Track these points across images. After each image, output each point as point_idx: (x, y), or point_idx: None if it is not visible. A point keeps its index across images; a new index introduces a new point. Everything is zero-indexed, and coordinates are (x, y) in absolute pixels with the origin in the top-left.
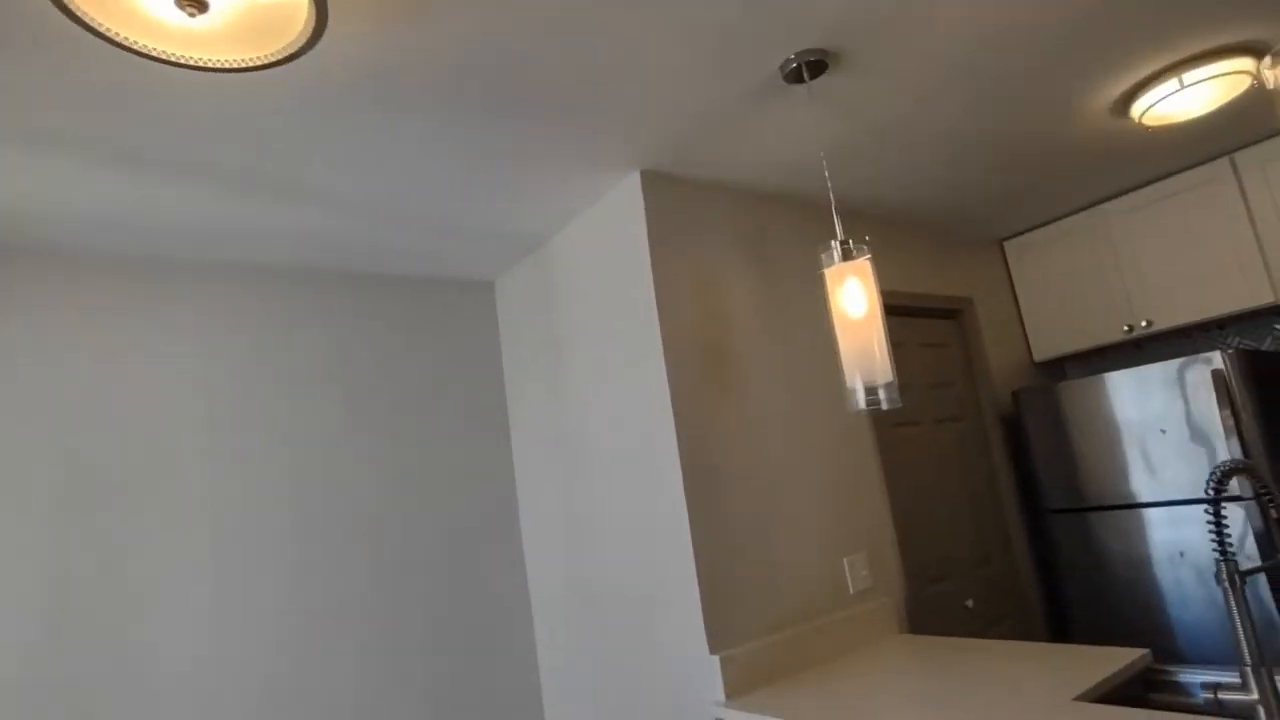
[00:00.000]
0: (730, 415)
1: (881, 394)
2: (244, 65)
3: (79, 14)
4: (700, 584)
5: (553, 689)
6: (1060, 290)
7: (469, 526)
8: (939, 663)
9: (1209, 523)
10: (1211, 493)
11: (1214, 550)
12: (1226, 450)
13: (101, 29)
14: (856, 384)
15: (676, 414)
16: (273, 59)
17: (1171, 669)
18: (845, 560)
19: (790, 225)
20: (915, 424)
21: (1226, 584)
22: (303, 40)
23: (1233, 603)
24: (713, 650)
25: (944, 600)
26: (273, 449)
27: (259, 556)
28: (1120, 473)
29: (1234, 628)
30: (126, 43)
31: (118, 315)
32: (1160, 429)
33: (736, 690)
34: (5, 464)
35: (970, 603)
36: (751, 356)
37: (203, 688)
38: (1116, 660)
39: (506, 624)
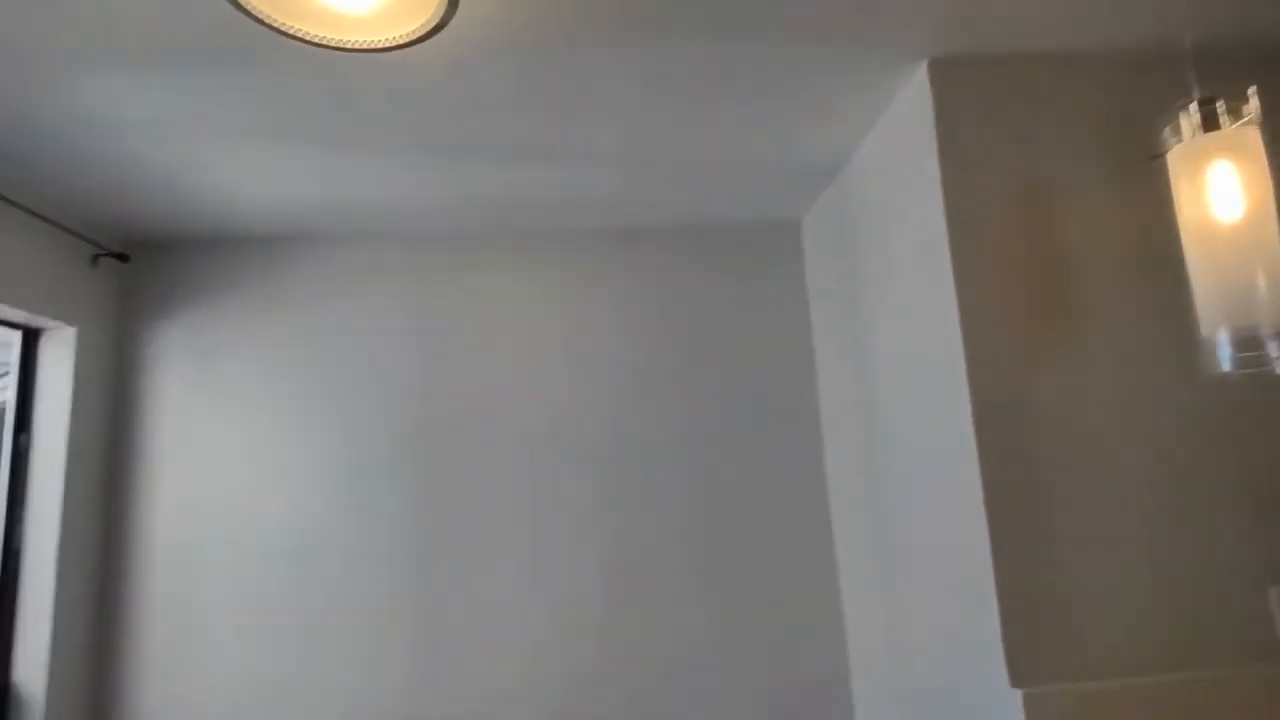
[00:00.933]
0: (1065, 377)
1: (1272, 348)
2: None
3: (306, 36)
4: (1000, 590)
5: (859, 665)
6: None
7: (773, 486)
8: None
9: None
10: None
11: None
12: None
13: (330, 41)
14: (1220, 331)
15: (972, 372)
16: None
17: None
18: (1273, 592)
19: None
20: None
21: None
22: None
23: None
24: (1014, 683)
25: None
26: (584, 402)
27: (575, 500)
28: None
29: None
30: (358, 45)
31: (436, 283)
32: None
33: None
34: (361, 420)
35: None
36: (1102, 297)
37: (524, 611)
38: None
39: (809, 593)
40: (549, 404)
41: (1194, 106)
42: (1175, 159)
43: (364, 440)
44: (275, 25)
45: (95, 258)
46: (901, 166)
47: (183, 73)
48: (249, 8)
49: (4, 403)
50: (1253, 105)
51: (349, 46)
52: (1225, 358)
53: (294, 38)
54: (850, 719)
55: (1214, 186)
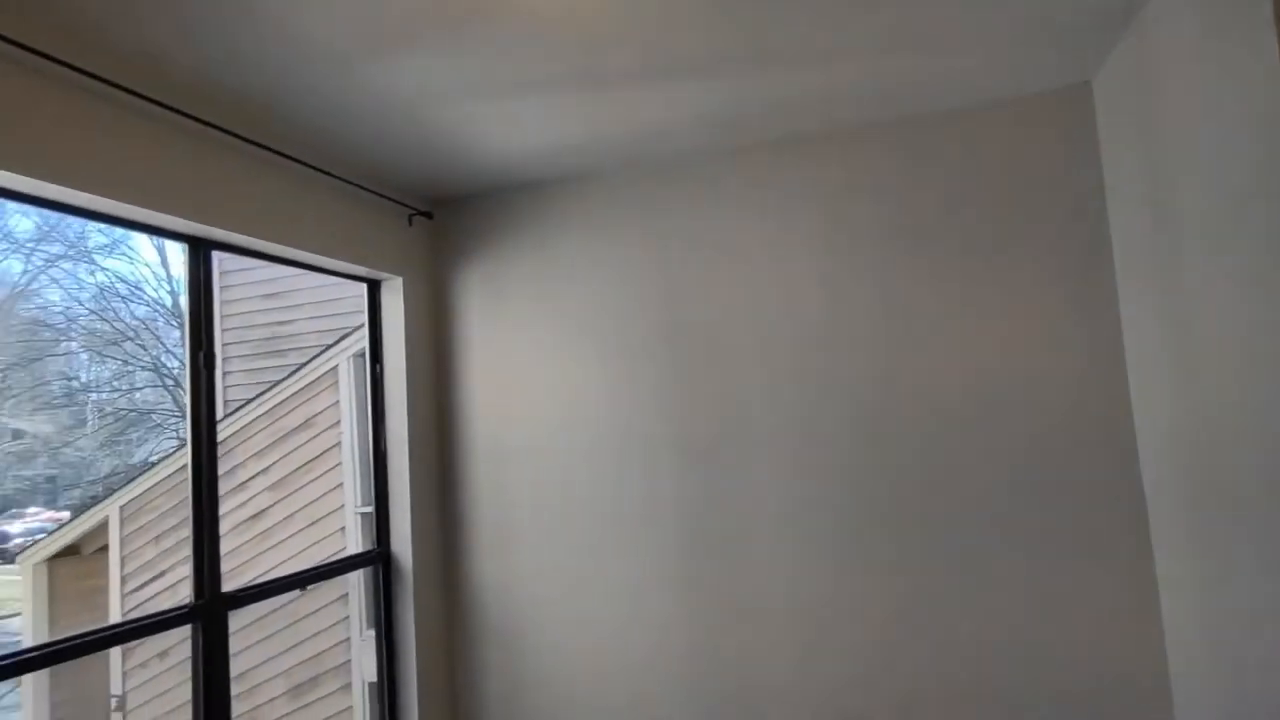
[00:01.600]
0: None
1: None
2: None
3: None
4: None
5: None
6: None
7: (1068, 399)
8: None
9: None
10: None
11: None
12: None
13: None
14: None
15: None
16: None
17: None
18: None
19: None
20: None
21: None
22: None
23: None
24: None
25: None
26: (845, 303)
27: (843, 395)
28: None
29: None
30: None
31: (679, 203)
32: None
33: None
34: (625, 335)
35: None
36: None
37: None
38: None
39: (1110, 531)
40: (806, 315)
41: None
42: None
43: (629, 353)
44: None
45: (410, 217)
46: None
47: (445, 46)
48: None
49: (363, 349)
50: None
51: None
52: None
53: None
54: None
55: None
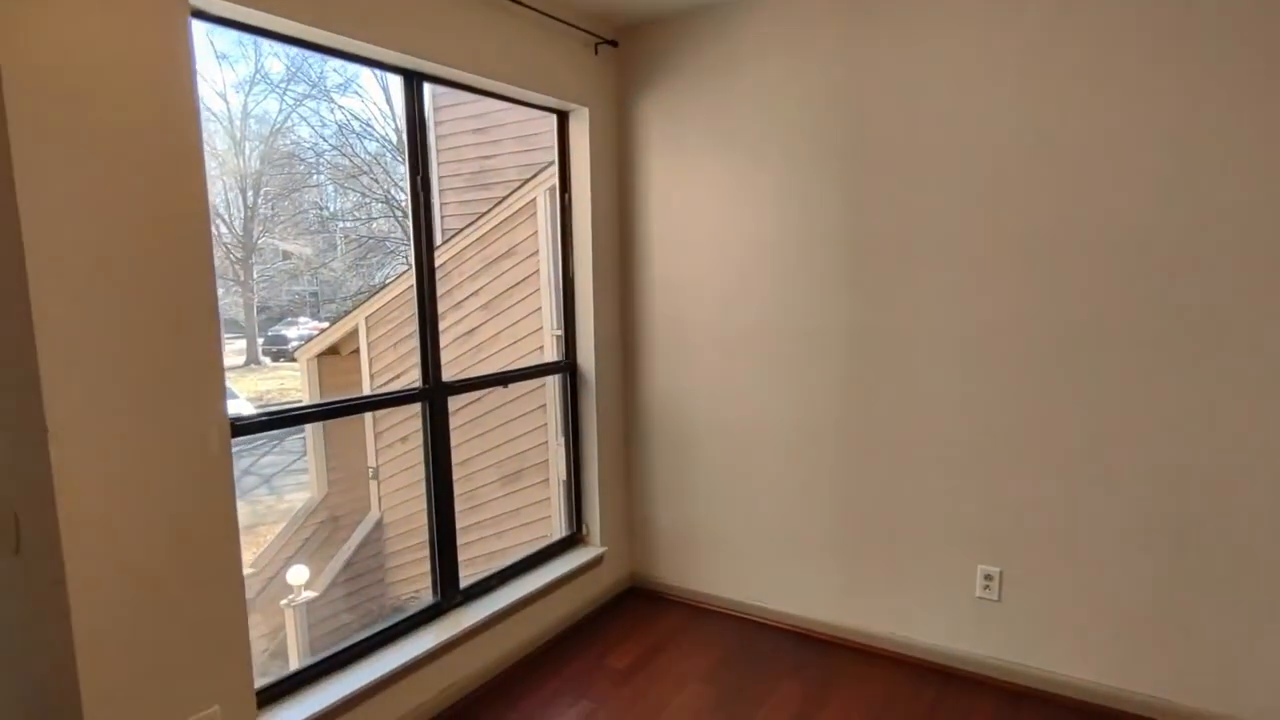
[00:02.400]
0: None
1: None
2: None
3: None
4: None
5: None
6: None
7: None
8: None
9: None
10: None
11: None
12: None
13: None
14: None
15: None
16: None
17: None
18: None
19: None
20: None
21: None
22: None
23: None
24: None
25: None
26: (1046, 121)
27: (1024, 214)
28: None
29: None
30: None
31: (864, 28)
32: None
33: None
34: (820, 147)
35: None
36: None
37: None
38: None
39: None
40: (996, 144)
41: None
42: None
43: (803, 182)
44: None
45: (595, 47)
46: None
47: None
48: None
49: (554, 184)
50: None
51: None
52: None
53: None
54: None
55: None
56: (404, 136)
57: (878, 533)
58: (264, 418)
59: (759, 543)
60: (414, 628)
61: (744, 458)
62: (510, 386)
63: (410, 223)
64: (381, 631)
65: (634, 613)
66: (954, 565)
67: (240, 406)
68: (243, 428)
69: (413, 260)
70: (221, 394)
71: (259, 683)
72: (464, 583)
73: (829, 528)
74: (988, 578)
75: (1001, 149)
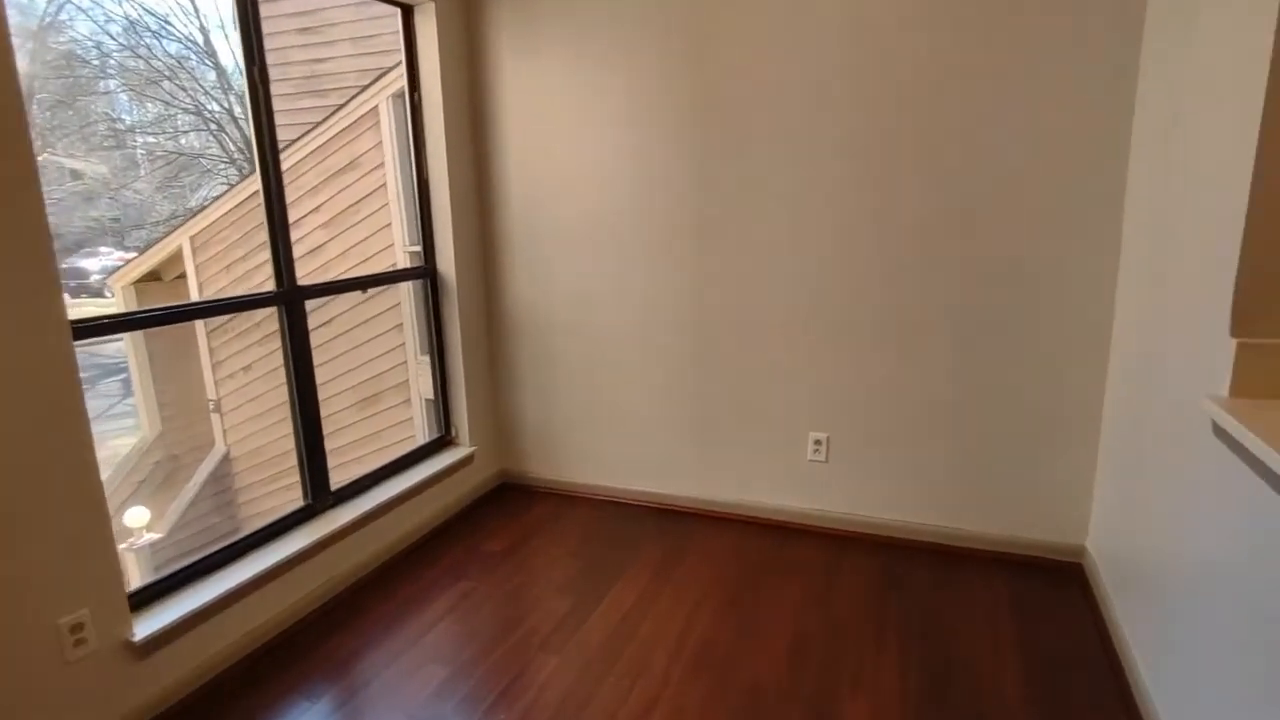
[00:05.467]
0: None
1: None
2: None
3: None
4: (1246, 238)
5: (1118, 348)
6: None
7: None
8: None
9: None
10: None
11: None
12: None
13: None
14: None
15: None
16: None
17: None
18: None
19: None
20: None
21: None
22: None
23: None
24: (1235, 332)
25: None
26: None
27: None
28: None
29: None
30: None
31: None
32: None
33: (1257, 391)
34: (652, 84)
35: None
36: None
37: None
38: None
39: (1090, 231)
40: (823, 69)
41: None
42: None
43: (656, 101)
44: None
45: None
46: None
47: None
48: None
49: (402, 88)
50: None
51: None
52: None
53: None
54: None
55: None
56: (213, 39)
57: (724, 412)
58: (109, 320)
59: (620, 430)
60: (287, 529)
61: (603, 354)
62: (367, 300)
63: (248, 106)
64: (255, 533)
65: (507, 505)
66: (790, 434)
67: None
68: (87, 329)
69: (256, 158)
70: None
71: (131, 586)
72: (334, 486)
73: (681, 411)
74: (817, 443)
75: (834, 66)
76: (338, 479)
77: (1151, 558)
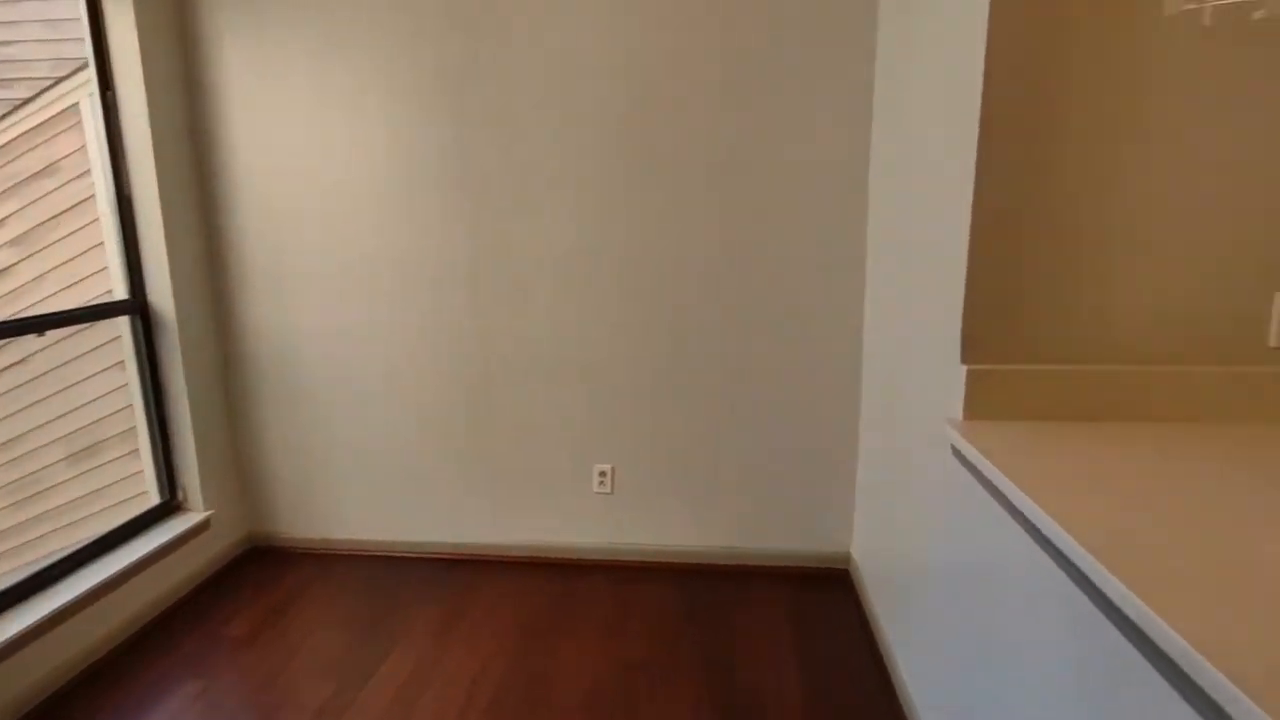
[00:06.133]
0: (1098, 31)
1: None
2: None
3: None
4: (971, 274)
5: (869, 373)
6: None
7: (815, 163)
8: None
9: None
10: None
11: None
12: None
13: None
14: None
15: (993, 12)
16: None
17: None
18: (1278, 297)
19: None
20: None
21: None
22: None
23: None
24: (966, 360)
25: None
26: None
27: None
28: None
29: None
30: None
31: None
32: None
33: (985, 413)
34: (406, 83)
35: None
36: None
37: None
38: None
39: (838, 275)
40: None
41: None
42: None
43: (410, 102)
44: None
45: None
46: None
47: None
48: None
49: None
50: None
51: None
52: None
53: None
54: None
55: None
56: None
57: (505, 449)
58: None
59: (390, 477)
60: None
61: (369, 393)
62: (80, 332)
63: None
64: None
65: (255, 574)
66: (574, 467)
67: None
68: None
69: None
70: None
71: None
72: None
73: (459, 451)
74: (602, 474)
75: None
76: (47, 548)
77: (901, 563)
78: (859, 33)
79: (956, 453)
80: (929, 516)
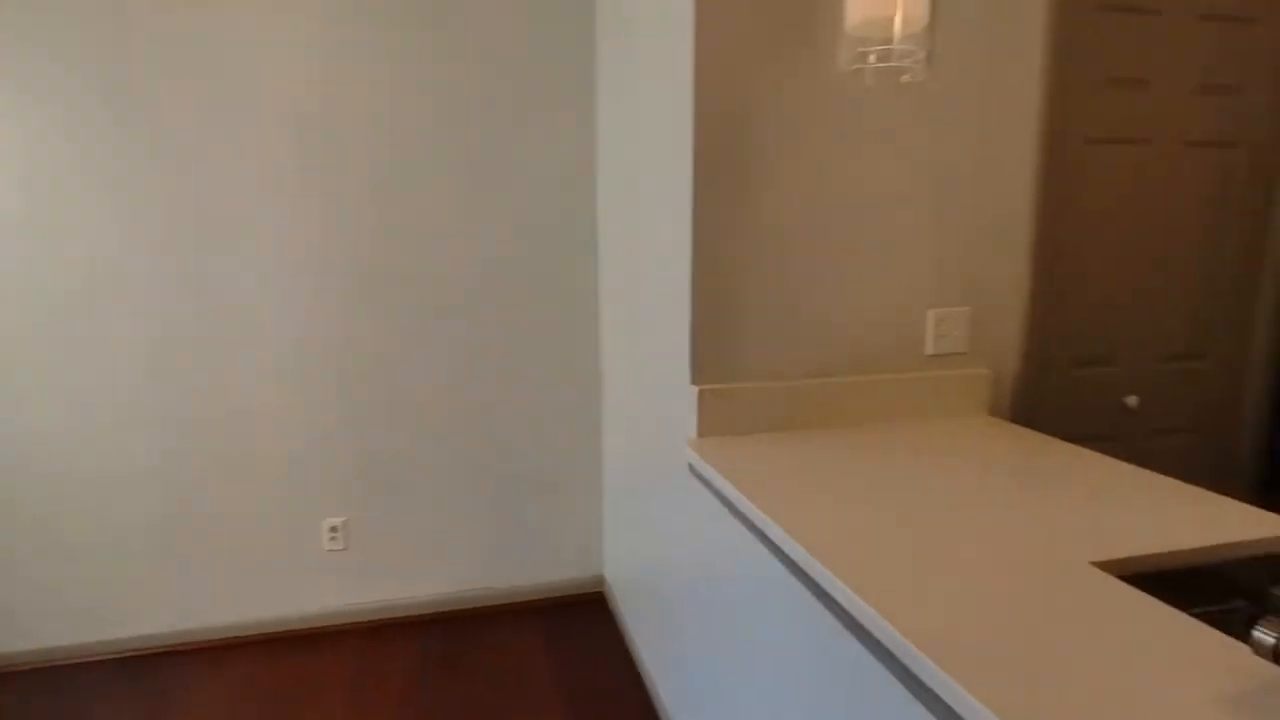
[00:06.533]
0: (790, 95)
1: (895, 48)
2: None
3: None
4: (695, 303)
5: (609, 398)
6: None
7: (547, 217)
8: (992, 463)
9: None
10: None
11: None
12: None
13: None
14: (858, 20)
15: (699, 69)
16: None
17: None
18: (930, 313)
19: None
20: (1141, 142)
21: None
22: None
23: None
24: (695, 381)
25: (1095, 390)
26: (348, 124)
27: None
28: None
29: None
30: None
31: None
32: None
33: (716, 430)
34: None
35: (1133, 400)
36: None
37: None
38: (1242, 528)
39: (571, 312)
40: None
41: None
42: None
43: (92, 121)
44: None
45: None
46: None
47: None
48: None
49: None
50: None
51: None
52: (850, 52)
53: None
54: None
55: None
56: None
57: (212, 512)
58: None
59: (58, 565)
60: None
61: (25, 463)
62: None
63: None
64: None
65: None
66: (300, 524)
67: None
68: None
69: None
70: None
71: None
72: None
73: (159, 528)
74: (334, 529)
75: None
76: None
77: (650, 581)
78: (582, 97)
79: (692, 469)
80: (672, 533)
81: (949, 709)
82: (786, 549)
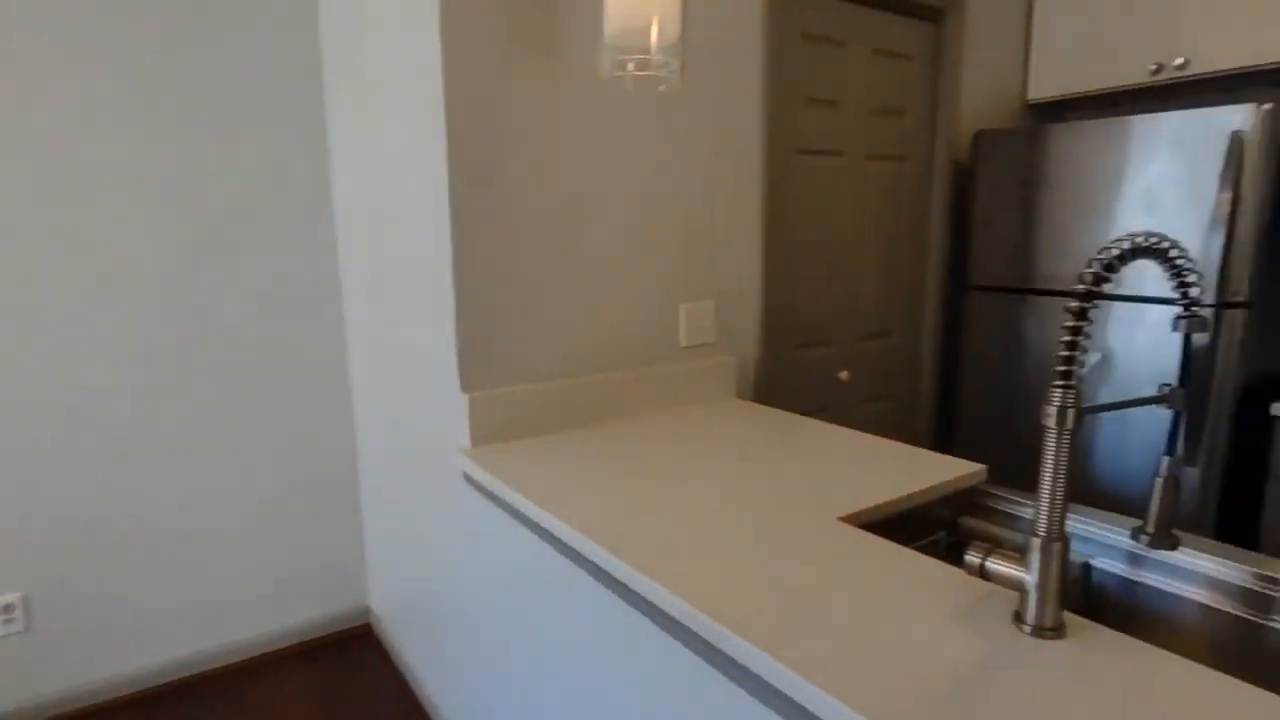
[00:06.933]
0: (544, 98)
1: (653, 58)
2: None
3: None
4: (459, 311)
5: (362, 414)
6: (1079, 6)
7: (280, 222)
8: (742, 441)
9: (1068, 327)
10: (1084, 283)
11: (1060, 365)
12: (1219, 241)
13: None
14: (616, 29)
15: (448, 79)
16: None
17: (1010, 496)
18: (682, 308)
19: None
20: (835, 154)
21: (1053, 421)
22: None
23: (1051, 446)
24: (465, 389)
25: (815, 369)
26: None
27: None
28: (1069, 250)
29: (1041, 479)
30: None
31: None
32: (1143, 203)
33: (489, 437)
34: None
35: (845, 375)
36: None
37: None
38: (936, 473)
39: (315, 326)
40: None
41: None
42: None
43: None
44: None
45: None
46: None
47: None
48: None
49: None
50: None
51: None
52: (611, 59)
53: None
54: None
55: None
56: None
57: None
58: None
59: None
60: None
61: None
62: None
63: None
64: None
65: None
66: None
67: None
68: None
69: None
70: None
71: None
72: None
73: None
74: (9, 608)
75: None
76: None
77: (427, 603)
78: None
79: (468, 478)
80: (449, 546)
81: (729, 659)
82: (574, 543)
